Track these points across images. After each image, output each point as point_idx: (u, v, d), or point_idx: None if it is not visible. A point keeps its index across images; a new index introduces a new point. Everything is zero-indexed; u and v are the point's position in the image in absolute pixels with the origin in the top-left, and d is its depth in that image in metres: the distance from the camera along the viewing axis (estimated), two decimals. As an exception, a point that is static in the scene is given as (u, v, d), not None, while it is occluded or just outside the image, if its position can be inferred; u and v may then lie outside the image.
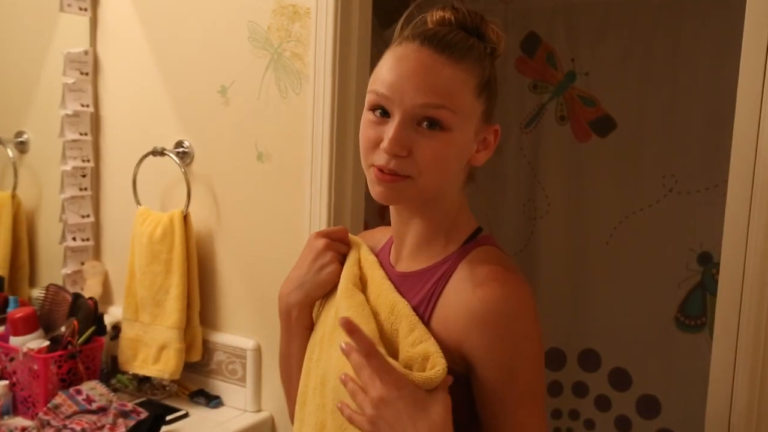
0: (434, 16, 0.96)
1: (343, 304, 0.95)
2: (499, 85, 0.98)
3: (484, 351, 0.86)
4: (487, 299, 0.85)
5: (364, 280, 1.00)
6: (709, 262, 2.31)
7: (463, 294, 0.88)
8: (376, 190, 0.90)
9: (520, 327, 0.87)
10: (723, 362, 1.24)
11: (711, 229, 2.25)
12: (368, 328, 0.89)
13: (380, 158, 0.87)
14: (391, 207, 1.00)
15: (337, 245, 1.05)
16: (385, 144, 0.86)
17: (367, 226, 1.72)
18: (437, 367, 0.82)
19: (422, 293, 0.94)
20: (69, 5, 1.81)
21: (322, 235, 1.06)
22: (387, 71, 0.89)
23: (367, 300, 0.97)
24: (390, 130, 0.86)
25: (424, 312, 0.92)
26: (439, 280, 0.92)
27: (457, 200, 0.99)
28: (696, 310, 2.33)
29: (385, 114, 0.88)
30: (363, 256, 1.03)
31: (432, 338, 0.87)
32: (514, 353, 0.87)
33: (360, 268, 1.02)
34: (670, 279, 2.35)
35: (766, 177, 1.16)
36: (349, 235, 1.09)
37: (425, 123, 0.86)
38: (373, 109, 0.90)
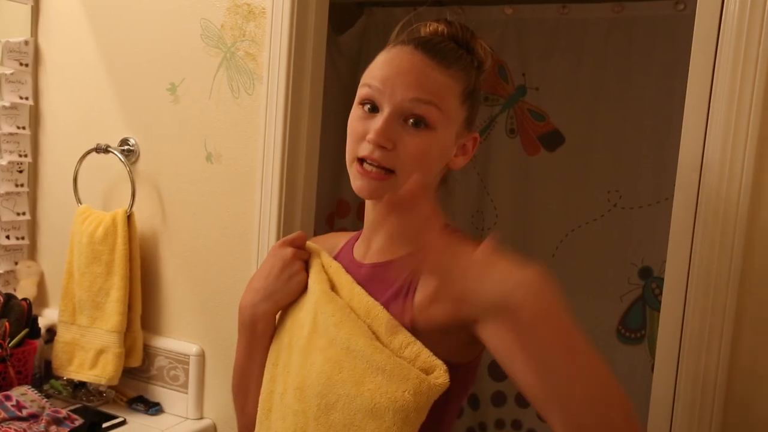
0: (428, 27, 1.03)
1: (327, 308, 0.96)
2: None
3: (486, 288, 0.84)
4: (477, 250, 0.87)
5: (332, 285, 1.01)
6: (649, 277, 2.38)
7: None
8: (356, 185, 0.95)
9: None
10: (664, 379, 1.28)
11: (652, 244, 2.32)
12: (358, 330, 0.92)
13: (365, 149, 0.92)
14: (367, 201, 1.03)
15: (302, 253, 1.07)
16: (371, 135, 0.91)
17: (316, 233, 1.71)
18: (438, 369, 0.87)
19: (401, 279, 0.97)
20: (8, -8, 1.76)
21: (287, 243, 1.07)
22: (381, 67, 0.95)
23: None
24: (378, 122, 0.91)
25: (406, 295, 0.95)
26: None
27: (432, 200, 0.99)
28: (636, 323, 2.40)
29: (374, 110, 0.93)
30: (325, 262, 1.05)
31: (415, 339, 0.90)
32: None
33: (326, 273, 1.03)
34: (613, 292, 2.42)
35: (711, 193, 1.20)
36: (307, 242, 1.10)
37: (411, 121, 0.92)
38: (363, 103, 0.95)
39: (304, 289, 1.05)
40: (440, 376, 0.86)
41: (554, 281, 0.82)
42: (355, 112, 0.96)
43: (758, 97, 1.16)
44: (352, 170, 0.96)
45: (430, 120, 0.92)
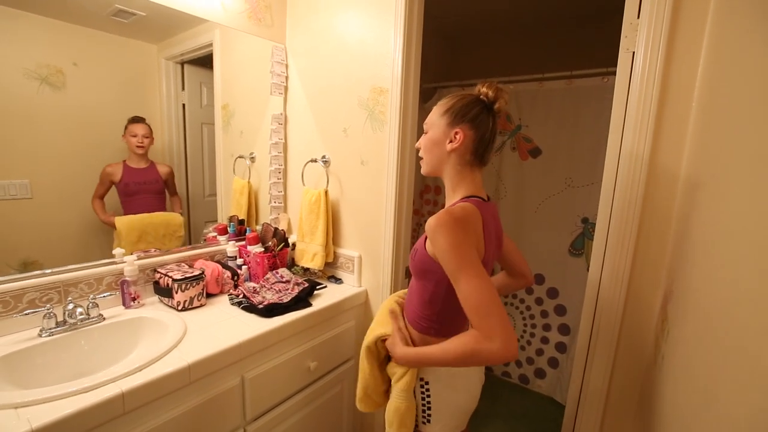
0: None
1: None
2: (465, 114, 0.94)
3: (436, 245, 0.85)
4: (433, 219, 0.85)
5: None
6: (587, 222, 2.20)
7: None
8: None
9: (444, 231, 0.84)
10: (594, 274, 1.20)
11: (589, 205, 2.14)
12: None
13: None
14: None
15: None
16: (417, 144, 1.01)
17: (414, 202, 1.69)
18: None
19: None
20: (274, 92, 1.84)
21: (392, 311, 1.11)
22: None
23: None
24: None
25: None
26: None
27: (455, 177, 0.96)
28: (580, 246, 2.24)
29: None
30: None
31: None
32: (443, 242, 0.83)
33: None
34: (567, 230, 2.26)
35: (621, 180, 1.11)
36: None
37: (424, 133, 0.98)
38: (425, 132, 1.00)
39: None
40: None
41: (448, 223, 0.81)
42: None
43: (651, 124, 1.06)
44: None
45: (426, 129, 0.97)
